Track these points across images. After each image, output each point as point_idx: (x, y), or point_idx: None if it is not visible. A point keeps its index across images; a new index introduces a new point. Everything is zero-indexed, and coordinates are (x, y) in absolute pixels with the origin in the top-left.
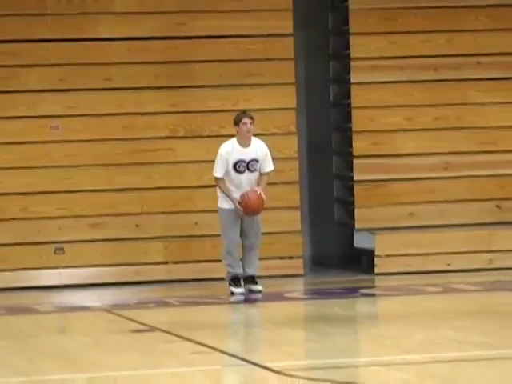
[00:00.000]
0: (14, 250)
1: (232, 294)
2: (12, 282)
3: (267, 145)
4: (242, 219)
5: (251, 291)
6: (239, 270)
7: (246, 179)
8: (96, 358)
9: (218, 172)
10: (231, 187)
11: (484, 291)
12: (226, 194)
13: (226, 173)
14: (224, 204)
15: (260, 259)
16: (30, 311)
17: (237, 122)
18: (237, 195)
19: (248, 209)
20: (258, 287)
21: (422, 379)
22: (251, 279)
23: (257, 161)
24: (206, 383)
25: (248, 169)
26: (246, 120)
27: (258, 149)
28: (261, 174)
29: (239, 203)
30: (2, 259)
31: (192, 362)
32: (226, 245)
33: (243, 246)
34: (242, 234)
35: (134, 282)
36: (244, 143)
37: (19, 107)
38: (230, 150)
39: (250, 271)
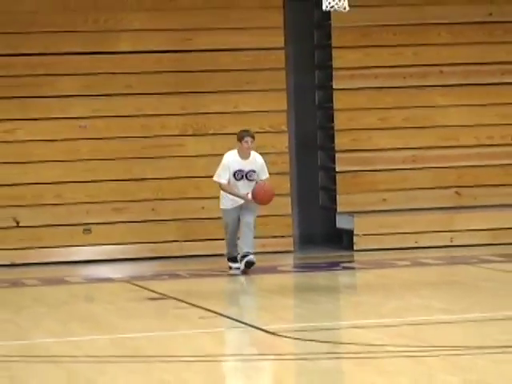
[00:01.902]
0: (48, 231)
1: (230, 268)
2: (47, 257)
3: (263, 158)
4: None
5: (248, 263)
6: (235, 254)
7: (243, 185)
8: (118, 322)
9: (222, 179)
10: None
11: (446, 265)
12: (233, 194)
13: (227, 178)
14: (224, 205)
15: (256, 237)
16: (63, 282)
17: (239, 139)
18: (232, 200)
19: (259, 198)
20: (236, 265)
21: (393, 339)
22: (230, 259)
23: (254, 171)
24: (211, 343)
25: (246, 178)
26: (248, 139)
27: (256, 161)
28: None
29: (253, 191)
30: (38, 238)
31: (199, 325)
32: (227, 237)
33: (241, 225)
34: (241, 213)
35: (150, 258)
36: (244, 157)
37: (53, 110)
38: (231, 160)
39: (246, 248)
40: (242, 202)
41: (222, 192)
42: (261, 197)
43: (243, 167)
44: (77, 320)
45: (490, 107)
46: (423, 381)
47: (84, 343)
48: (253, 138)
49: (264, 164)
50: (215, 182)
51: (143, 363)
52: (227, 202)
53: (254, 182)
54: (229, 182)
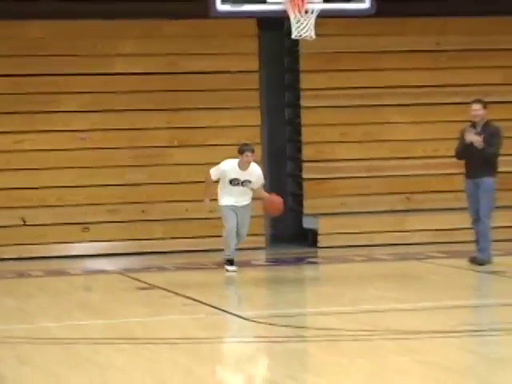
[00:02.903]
0: (51, 229)
1: (227, 271)
2: (50, 252)
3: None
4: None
5: (226, 271)
6: (233, 256)
7: (238, 190)
8: (112, 309)
9: (213, 176)
10: (225, 191)
11: (397, 260)
12: (206, 187)
13: (223, 181)
14: (221, 202)
15: None
16: (64, 274)
17: (241, 152)
18: (228, 199)
19: (270, 206)
20: (232, 268)
21: (351, 324)
22: (227, 262)
23: (249, 181)
24: (193, 327)
25: (242, 185)
26: (248, 153)
27: (253, 172)
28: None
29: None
30: (42, 235)
31: (183, 312)
32: (225, 231)
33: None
34: (238, 224)
35: (140, 253)
36: (243, 168)
37: (56, 124)
38: (229, 169)
39: (228, 255)
40: (236, 203)
41: (218, 191)
42: (271, 210)
43: (240, 177)
44: (76, 307)
45: (436, 124)
46: (378, 361)
47: (82, 327)
48: (253, 151)
49: (261, 174)
50: (209, 173)
51: (133, 344)
52: (223, 199)
53: (248, 189)
54: (226, 186)
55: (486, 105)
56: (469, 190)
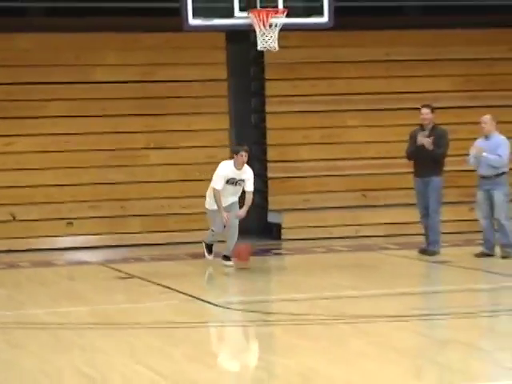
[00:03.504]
0: (39, 224)
1: (204, 256)
2: (37, 245)
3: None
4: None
5: (225, 265)
6: (214, 242)
7: (232, 189)
8: (94, 296)
9: (218, 185)
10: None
11: (354, 251)
12: (218, 204)
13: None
14: (211, 206)
15: (204, 229)
16: (50, 265)
17: (235, 152)
18: (223, 200)
19: (238, 256)
20: (230, 263)
21: (312, 310)
22: (224, 257)
23: (243, 180)
24: (169, 313)
25: (237, 184)
26: (243, 153)
27: (247, 172)
28: (247, 193)
29: (234, 253)
30: (31, 230)
31: (159, 299)
32: (211, 232)
33: (227, 226)
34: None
35: (119, 245)
36: (238, 168)
37: (43, 128)
38: (228, 171)
39: (225, 252)
40: (227, 204)
41: (209, 194)
42: (240, 255)
43: (236, 176)
44: (61, 295)
45: (388, 128)
46: (338, 343)
47: (67, 313)
48: (247, 152)
49: (252, 176)
50: (213, 187)
51: (114, 329)
52: (213, 203)
53: (240, 188)
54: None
55: (433, 109)
56: (418, 188)
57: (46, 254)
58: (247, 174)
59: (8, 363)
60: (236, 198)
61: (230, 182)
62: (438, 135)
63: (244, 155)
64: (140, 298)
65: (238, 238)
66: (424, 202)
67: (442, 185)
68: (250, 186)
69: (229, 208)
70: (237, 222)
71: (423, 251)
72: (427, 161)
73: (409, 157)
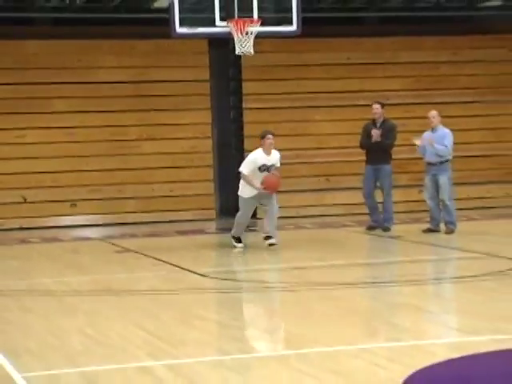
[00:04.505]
0: (47, 205)
1: (234, 246)
2: (45, 223)
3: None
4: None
5: (270, 244)
6: (241, 235)
7: (264, 175)
8: (95, 268)
9: (245, 170)
10: (254, 179)
11: (318, 228)
12: (251, 183)
13: (252, 172)
14: (244, 193)
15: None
16: (57, 240)
17: (263, 137)
18: (251, 190)
19: (269, 187)
20: (273, 241)
21: (282, 278)
22: (267, 237)
23: (274, 165)
24: (160, 282)
25: (268, 170)
26: (270, 136)
27: (275, 156)
28: (276, 168)
29: (262, 183)
30: (40, 210)
31: (152, 270)
32: (239, 223)
33: (269, 209)
34: (266, 202)
35: (117, 223)
36: (267, 152)
37: (50, 122)
38: (257, 157)
39: (272, 233)
40: (258, 192)
41: (242, 182)
42: (270, 185)
43: (267, 162)
44: (66, 266)
45: (347, 121)
46: (304, 307)
47: (71, 282)
48: (273, 134)
49: (280, 157)
50: (241, 171)
51: (112, 296)
52: (246, 191)
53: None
54: (254, 174)
55: (383, 105)
56: (367, 174)
57: (52, 231)
58: (276, 158)
59: (20, 325)
60: None
61: (262, 168)
62: (388, 128)
63: (271, 137)
64: (135, 269)
65: (218, 215)
66: (370, 187)
67: (391, 171)
68: (278, 163)
69: (262, 196)
70: (276, 205)
71: (370, 227)
72: (377, 150)
73: (362, 147)
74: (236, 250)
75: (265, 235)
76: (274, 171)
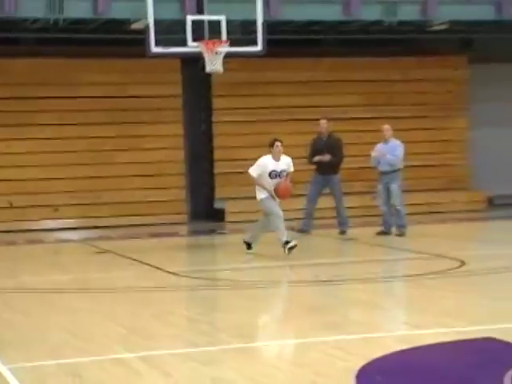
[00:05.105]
0: (31, 210)
1: (291, 248)
2: (30, 226)
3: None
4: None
5: (291, 248)
6: (287, 237)
7: (277, 183)
8: (76, 268)
9: (254, 173)
10: (265, 183)
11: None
12: (261, 185)
13: (262, 177)
14: (260, 195)
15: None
16: (41, 242)
17: (271, 145)
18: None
19: (279, 195)
20: (292, 244)
21: (248, 277)
22: (286, 243)
23: (285, 170)
24: (136, 280)
25: (279, 176)
26: (278, 143)
27: (285, 161)
28: (287, 174)
29: (274, 190)
30: (25, 214)
31: (129, 269)
32: (274, 220)
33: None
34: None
35: (95, 227)
36: (276, 159)
37: (36, 133)
38: (267, 162)
39: (286, 237)
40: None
41: (256, 187)
42: (281, 192)
43: (276, 168)
44: (49, 266)
45: (306, 134)
46: (266, 302)
47: (53, 280)
48: (281, 142)
49: (291, 162)
50: (249, 173)
51: (91, 293)
52: (262, 193)
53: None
54: (266, 181)
55: (329, 120)
56: (315, 180)
57: (36, 234)
58: (286, 162)
59: (5, 321)
60: None
61: (273, 175)
62: (333, 144)
63: (279, 144)
64: (112, 269)
65: (190, 219)
66: (315, 193)
67: (339, 179)
68: (290, 169)
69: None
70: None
71: (300, 231)
72: (326, 164)
73: (310, 162)
74: (289, 252)
75: (286, 240)
76: (286, 178)
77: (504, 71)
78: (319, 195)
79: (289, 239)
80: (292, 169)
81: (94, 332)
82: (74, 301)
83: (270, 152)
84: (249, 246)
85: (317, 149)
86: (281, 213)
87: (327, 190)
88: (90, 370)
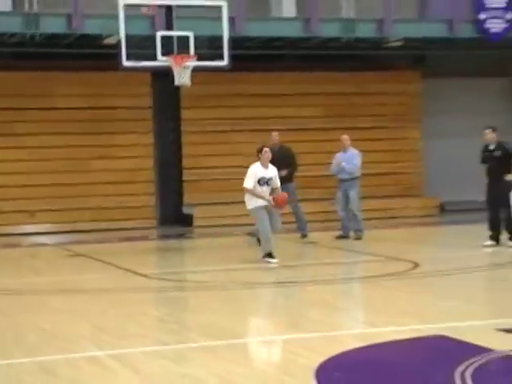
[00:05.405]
0: (9, 215)
1: (269, 262)
2: (8, 231)
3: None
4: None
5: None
6: (271, 248)
7: (266, 191)
8: (51, 270)
9: (248, 184)
10: (256, 190)
11: (244, 235)
12: (257, 195)
13: (253, 184)
14: (250, 205)
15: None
16: (18, 246)
17: (259, 151)
18: (256, 201)
19: (278, 204)
20: (273, 261)
21: (216, 279)
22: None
23: (271, 179)
24: (108, 282)
25: (267, 184)
26: (266, 149)
27: (273, 170)
28: (274, 189)
29: (272, 199)
30: (3, 219)
31: (101, 271)
32: (262, 237)
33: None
34: (270, 219)
35: (70, 231)
36: (265, 166)
37: (15, 143)
38: (257, 169)
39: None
40: (265, 202)
41: (246, 196)
42: (278, 201)
43: (265, 174)
44: (26, 269)
45: (259, 144)
46: (235, 304)
47: (30, 282)
48: (269, 148)
49: (277, 174)
50: (244, 187)
51: (65, 295)
52: (252, 202)
53: (269, 188)
54: (254, 187)
55: (280, 132)
56: None
57: (14, 238)
58: (274, 172)
59: None
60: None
61: (262, 182)
62: (284, 154)
63: (268, 151)
64: (85, 271)
65: (159, 224)
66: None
67: (294, 187)
68: (276, 184)
69: (271, 213)
70: (280, 225)
71: (250, 233)
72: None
73: None
74: (271, 265)
75: (267, 252)
76: (282, 193)
77: (454, 85)
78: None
79: (268, 253)
80: (278, 184)
81: (69, 331)
82: (48, 302)
83: (258, 159)
84: (270, 256)
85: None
86: (268, 228)
87: None
88: (65, 367)
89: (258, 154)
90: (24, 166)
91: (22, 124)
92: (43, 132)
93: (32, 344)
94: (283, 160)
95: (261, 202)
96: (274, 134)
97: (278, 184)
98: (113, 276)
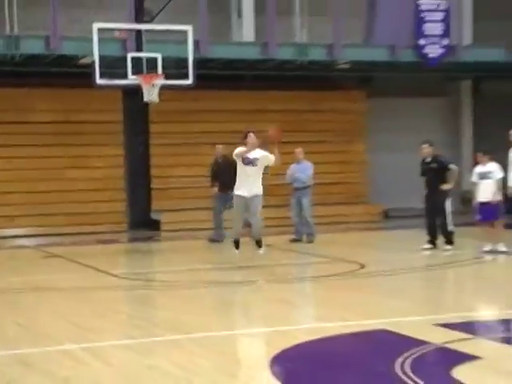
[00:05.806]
0: None
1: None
2: None
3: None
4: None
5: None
6: (237, 237)
7: (250, 170)
8: (29, 270)
9: (237, 150)
10: (239, 178)
11: (205, 239)
12: (244, 151)
13: (239, 165)
14: (236, 191)
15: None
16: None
17: (245, 137)
18: (239, 186)
19: (273, 138)
20: (260, 251)
21: (182, 279)
22: (257, 243)
23: (257, 159)
24: (82, 281)
25: (251, 164)
26: (251, 134)
27: (259, 152)
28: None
29: (268, 136)
30: None
31: (75, 271)
32: (233, 221)
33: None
34: (248, 214)
35: (47, 234)
36: (250, 149)
37: None
38: (241, 149)
39: (257, 237)
40: (246, 194)
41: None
42: (274, 136)
43: (249, 155)
44: (6, 269)
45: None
46: (201, 302)
47: (10, 282)
48: (254, 133)
49: (266, 155)
50: (235, 154)
51: (41, 292)
52: (236, 190)
53: (257, 167)
54: (240, 169)
55: (223, 145)
56: (219, 197)
57: None
58: (260, 154)
59: None
60: (256, 191)
61: (246, 161)
62: (229, 164)
63: (252, 135)
64: (60, 271)
65: (129, 228)
66: (221, 207)
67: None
68: (267, 162)
69: (250, 200)
70: (258, 216)
71: (211, 240)
72: (226, 183)
73: (212, 183)
74: (236, 254)
75: (255, 240)
76: (271, 128)
77: (397, 104)
78: (224, 209)
79: (235, 240)
80: (270, 162)
81: (44, 326)
82: (25, 299)
83: (244, 145)
84: (236, 244)
85: (215, 170)
86: (239, 219)
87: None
88: (40, 359)
89: (243, 140)
90: (3, 174)
91: (4, 136)
92: (21, 143)
93: (9, 338)
94: (227, 169)
95: (240, 192)
96: (219, 147)
97: (272, 157)
98: (86, 276)
